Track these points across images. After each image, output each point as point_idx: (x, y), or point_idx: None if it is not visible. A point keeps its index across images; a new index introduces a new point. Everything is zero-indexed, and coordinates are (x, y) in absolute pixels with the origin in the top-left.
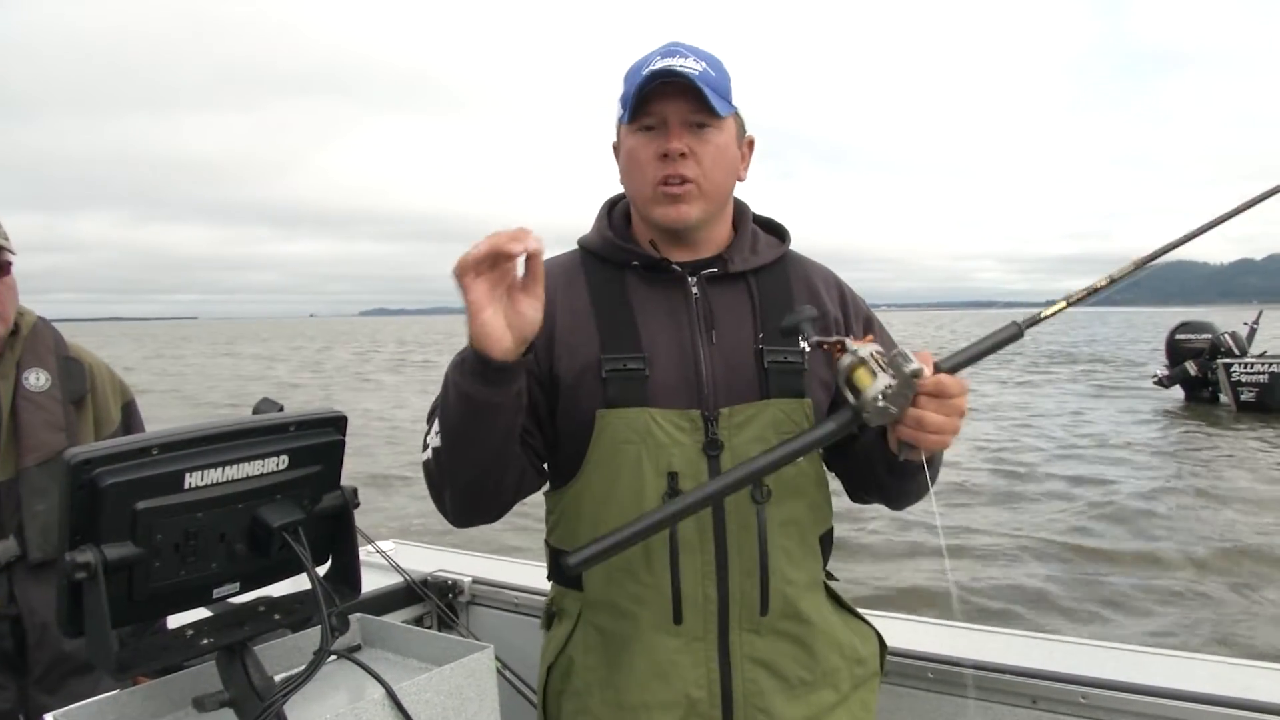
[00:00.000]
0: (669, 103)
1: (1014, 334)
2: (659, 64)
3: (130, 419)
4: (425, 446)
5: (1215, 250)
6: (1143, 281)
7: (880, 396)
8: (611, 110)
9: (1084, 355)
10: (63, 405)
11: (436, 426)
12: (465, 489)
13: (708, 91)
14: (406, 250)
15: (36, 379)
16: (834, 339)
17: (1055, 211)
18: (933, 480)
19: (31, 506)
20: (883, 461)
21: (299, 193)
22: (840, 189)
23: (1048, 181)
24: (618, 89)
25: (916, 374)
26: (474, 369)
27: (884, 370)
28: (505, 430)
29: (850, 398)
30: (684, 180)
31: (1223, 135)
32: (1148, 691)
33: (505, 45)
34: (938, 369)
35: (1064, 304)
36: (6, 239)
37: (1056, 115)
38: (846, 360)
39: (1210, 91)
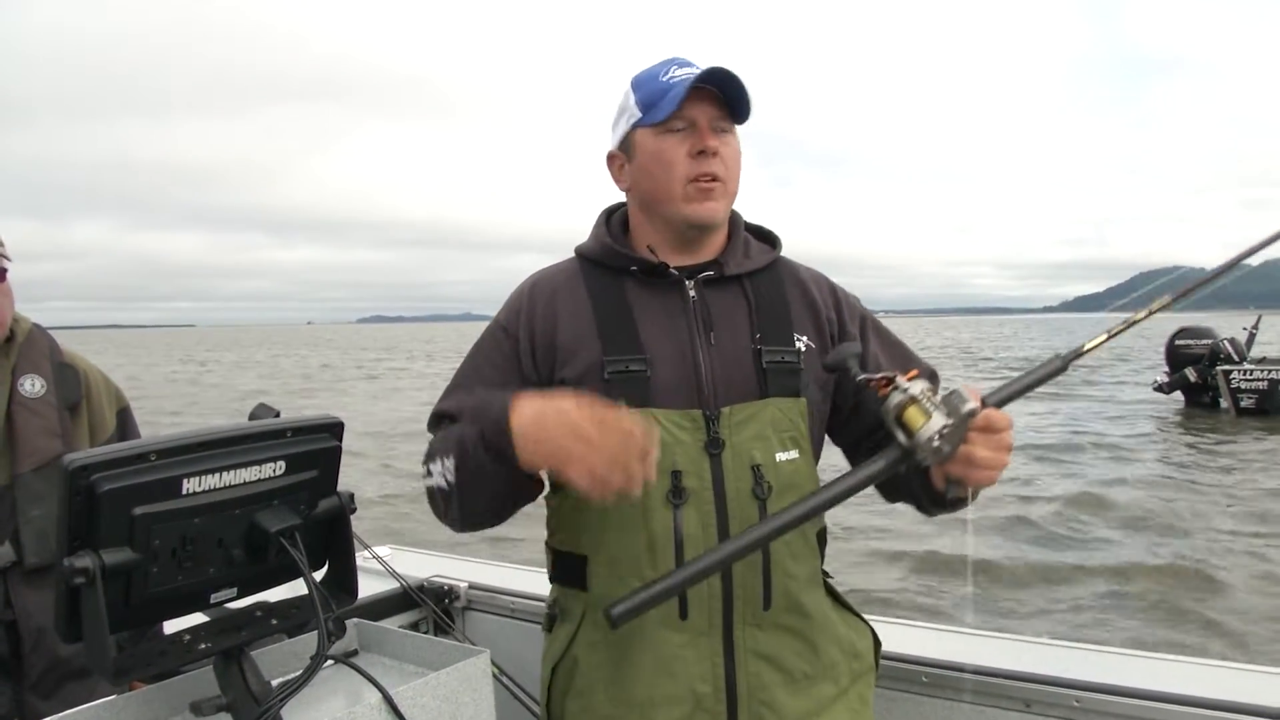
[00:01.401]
0: (698, 106)
1: (1058, 367)
2: (681, 72)
3: (125, 425)
4: (429, 474)
5: (1211, 256)
6: (1139, 287)
7: (936, 437)
8: (606, 121)
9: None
10: (58, 411)
11: (446, 466)
12: (476, 517)
13: (747, 94)
14: (403, 257)
15: (32, 385)
16: (880, 376)
17: (1051, 217)
18: (973, 499)
19: (27, 512)
20: (925, 494)
21: (293, 199)
22: (837, 196)
23: (1043, 187)
24: (615, 97)
25: (973, 414)
26: (500, 455)
27: (938, 409)
28: (520, 482)
29: (900, 436)
30: (715, 178)
31: (1218, 140)
32: (1140, 695)
33: (501, 52)
34: (984, 404)
35: (1105, 336)
36: (2, 245)
37: (1051, 120)
38: (896, 398)
39: (1205, 96)
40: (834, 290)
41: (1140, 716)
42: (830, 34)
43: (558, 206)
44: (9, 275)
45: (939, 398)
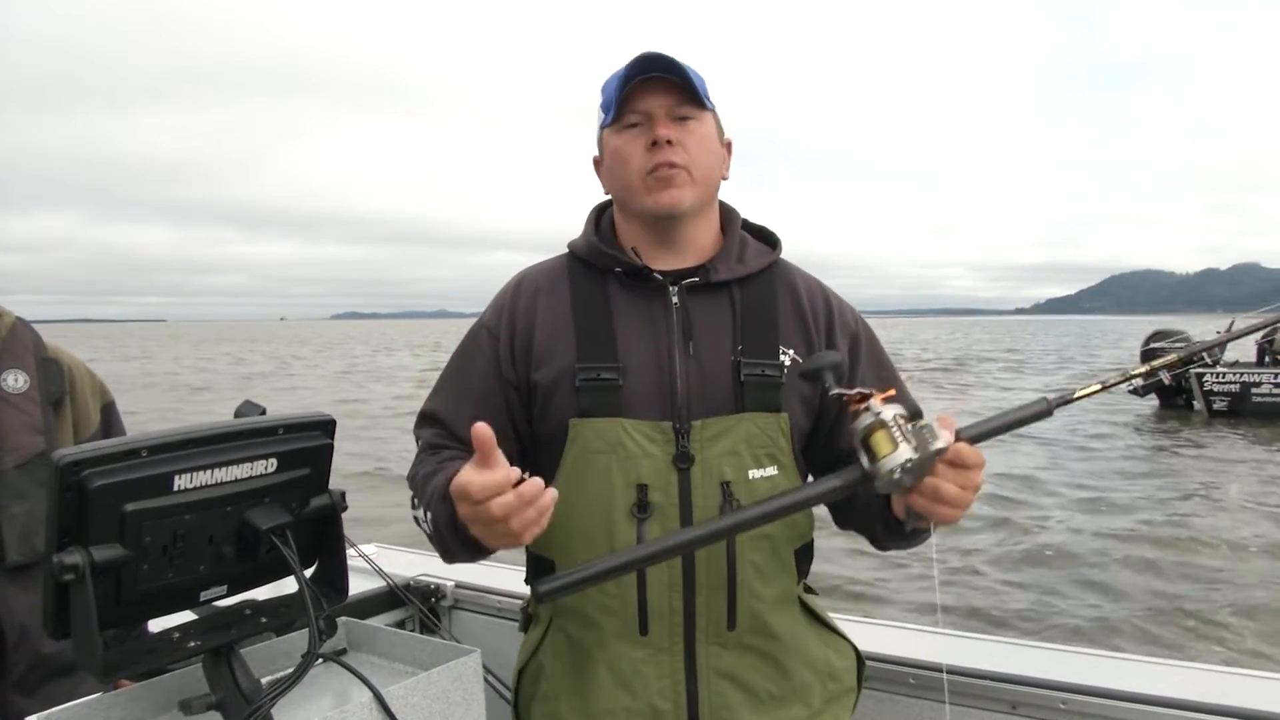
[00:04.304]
0: (652, 98)
1: (1043, 410)
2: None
3: (110, 421)
4: (414, 505)
5: (1181, 260)
6: (1110, 290)
7: (899, 469)
8: (586, 123)
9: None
10: (41, 407)
11: (426, 521)
12: (466, 560)
13: (693, 79)
14: (374, 253)
15: (15, 380)
16: (854, 392)
17: (1024, 220)
18: (933, 531)
19: (9, 509)
20: (881, 520)
21: (264, 193)
22: (813, 195)
23: (1017, 190)
24: (589, 94)
25: (941, 452)
26: (468, 544)
27: (906, 440)
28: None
29: (864, 458)
30: (674, 165)
31: (1186, 145)
32: (1125, 697)
33: (473, 47)
34: (958, 436)
35: (1099, 386)
36: None
37: (1025, 124)
38: (866, 420)
39: (1174, 102)
40: (829, 302)
41: (1124, 718)
42: (807, 34)
43: (533, 203)
44: None
45: (911, 428)
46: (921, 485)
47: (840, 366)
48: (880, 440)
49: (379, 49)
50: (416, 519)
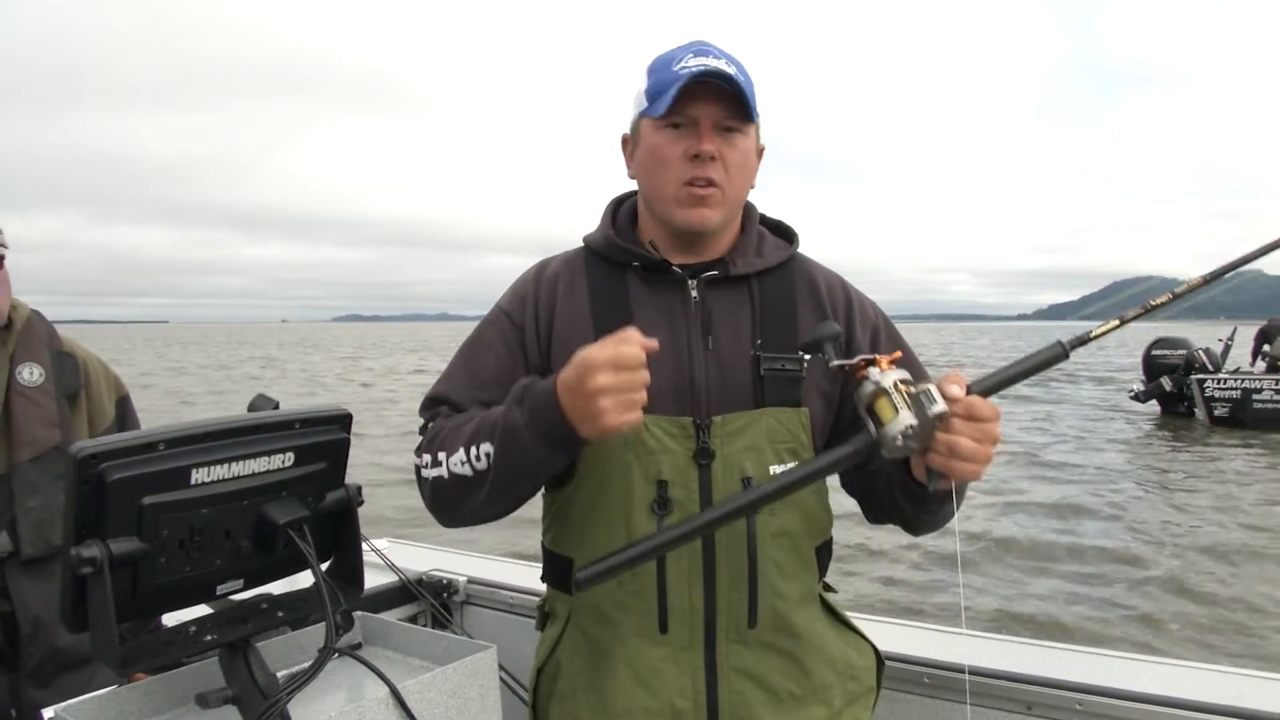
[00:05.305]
0: (702, 104)
1: (1058, 354)
2: (694, 62)
3: (125, 415)
4: (434, 463)
5: (1181, 267)
6: (1112, 296)
7: (900, 436)
8: (588, 125)
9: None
10: (56, 400)
11: (475, 454)
12: (495, 506)
13: (746, 92)
14: (373, 256)
15: (30, 373)
16: (856, 361)
17: (1025, 225)
18: (957, 506)
19: (24, 502)
20: (903, 489)
21: (262, 195)
22: (815, 200)
23: (1017, 195)
24: (591, 97)
25: (941, 417)
26: (557, 439)
27: (908, 406)
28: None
29: (870, 426)
30: (710, 183)
31: (1186, 152)
32: (1141, 699)
33: (474, 50)
34: (969, 390)
35: (1117, 322)
36: (0, 232)
37: (1025, 130)
38: (868, 388)
39: (1173, 110)
40: (848, 295)
41: None
42: (810, 39)
43: (534, 206)
44: (7, 262)
45: (912, 392)
46: (936, 443)
47: (839, 338)
48: (883, 407)
49: (379, 50)
50: (439, 478)
